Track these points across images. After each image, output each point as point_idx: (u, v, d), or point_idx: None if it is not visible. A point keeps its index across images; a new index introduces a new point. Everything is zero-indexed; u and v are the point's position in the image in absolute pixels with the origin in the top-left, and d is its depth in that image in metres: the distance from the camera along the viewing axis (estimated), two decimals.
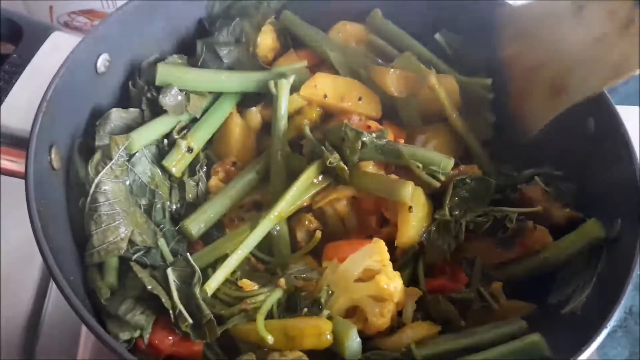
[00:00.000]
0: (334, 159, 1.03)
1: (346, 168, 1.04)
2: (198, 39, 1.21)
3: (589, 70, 1.01)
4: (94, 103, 1.08)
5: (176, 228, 1.05)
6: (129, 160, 1.04)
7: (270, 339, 0.88)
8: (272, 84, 1.12)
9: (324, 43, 1.22)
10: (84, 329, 1.17)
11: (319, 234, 1.04)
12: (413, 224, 1.03)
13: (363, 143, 1.03)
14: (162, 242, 1.02)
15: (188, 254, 0.98)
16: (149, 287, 0.91)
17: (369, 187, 1.05)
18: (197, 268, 0.94)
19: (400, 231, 1.03)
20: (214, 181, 1.11)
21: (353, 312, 0.98)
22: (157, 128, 1.09)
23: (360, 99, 1.16)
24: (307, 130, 1.09)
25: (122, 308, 0.91)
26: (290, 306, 0.97)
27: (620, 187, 1.00)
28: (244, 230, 1.02)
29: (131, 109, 1.09)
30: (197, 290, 0.92)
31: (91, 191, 0.97)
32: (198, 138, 1.11)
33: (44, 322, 1.18)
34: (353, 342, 0.90)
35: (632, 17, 0.92)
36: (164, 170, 1.08)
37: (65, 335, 1.17)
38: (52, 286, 1.22)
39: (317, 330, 0.90)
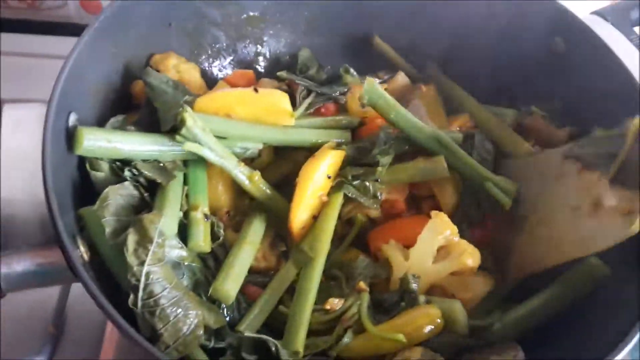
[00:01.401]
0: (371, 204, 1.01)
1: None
2: None
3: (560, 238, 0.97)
4: None
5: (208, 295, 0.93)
6: None
7: (402, 337, 0.86)
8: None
9: None
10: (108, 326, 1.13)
11: (360, 218, 1.03)
12: (452, 187, 1.05)
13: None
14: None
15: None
16: None
17: (405, 179, 1.04)
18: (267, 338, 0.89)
19: (444, 198, 1.05)
20: (230, 235, 1.02)
21: (431, 290, 0.98)
22: (176, 200, 0.95)
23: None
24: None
25: None
26: (375, 306, 0.94)
27: (610, 92, 1.06)
28: (288, 271, 0.98)
29: (126, 184, 0.95)
30: (284, 355, 0.88)
31: (142, 285, 0.84)
32: (203, 199, 0.98)
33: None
34: (463, 315, 0.92)
35: (601, 198, 0.90)
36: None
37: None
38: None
39: (429, 318, 0.90)
